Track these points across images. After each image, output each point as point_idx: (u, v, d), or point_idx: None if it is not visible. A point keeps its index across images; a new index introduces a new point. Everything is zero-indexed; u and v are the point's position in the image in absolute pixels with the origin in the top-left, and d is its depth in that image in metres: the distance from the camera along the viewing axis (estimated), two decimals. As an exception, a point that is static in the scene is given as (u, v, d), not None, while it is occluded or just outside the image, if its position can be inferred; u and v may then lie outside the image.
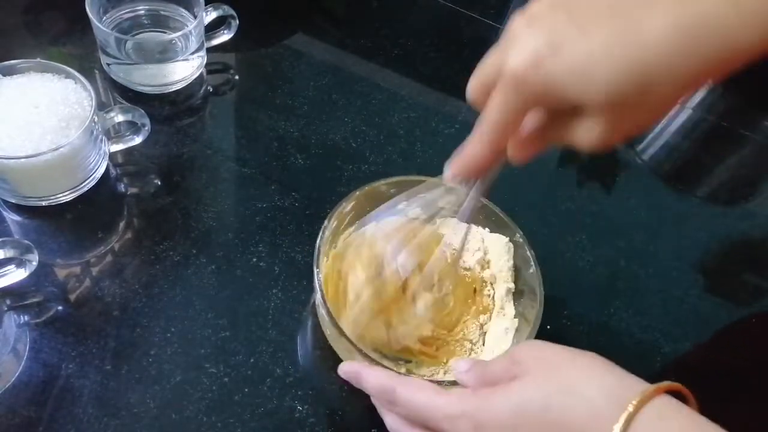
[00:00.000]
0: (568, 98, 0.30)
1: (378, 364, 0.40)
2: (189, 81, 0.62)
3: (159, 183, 0.55)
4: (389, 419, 0.37)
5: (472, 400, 0.33)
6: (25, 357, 0.44)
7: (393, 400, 0.36)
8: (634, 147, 0.68)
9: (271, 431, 0.44)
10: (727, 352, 0.55)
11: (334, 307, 0.44)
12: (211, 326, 0.47)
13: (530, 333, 0.43)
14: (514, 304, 0.47)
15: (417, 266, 0.45)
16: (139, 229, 0.52)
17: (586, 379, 0.31)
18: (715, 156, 0.70)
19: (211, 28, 0.62)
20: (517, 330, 0.45)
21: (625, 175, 0.65)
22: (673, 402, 0.30)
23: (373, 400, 0.39)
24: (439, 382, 0.39)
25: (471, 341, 0.47)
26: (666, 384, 0.30)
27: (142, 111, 0.53)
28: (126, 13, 0.61)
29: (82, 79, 0.51)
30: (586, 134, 0.31)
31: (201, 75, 0.63)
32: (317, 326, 0.47)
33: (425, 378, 0.43)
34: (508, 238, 0.48)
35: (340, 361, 0.41)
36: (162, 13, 0.62)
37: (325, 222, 0.45)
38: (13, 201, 0.51)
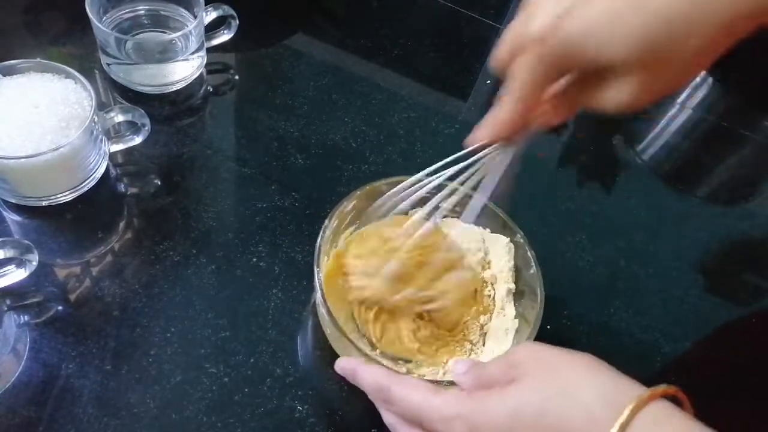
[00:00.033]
0: (590, 57, 0.30)
1: (376, 362, 0.40)
2: (189, 81, 0.62)
3: (159, 183, 0.55)
4: (386, 416, 0.37)
5: (468, 402, 0.32)
6: (25, 357, 0.44)
7: (388, 398, 0.36)
8: (634, 147, 0.68)
9: (271, 431, 0.44)
10: (727, 352, 0.55)
11: (334, 306, 0.44)
12: (211, 326, 0.47)
13: (530, 334, 0.43)
14: (515, 305, 0.47)
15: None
16: (139, 229, 0.52)
17: (583, 383, 0.31)
18: (715, 156, 0.70)
19: (211, 28, 0.62)
20: (517, 331, 0.45)
21: (625, 175, 0.65)
22: (669, 407, 0.29)
23: (370, 397, 0.39)
24: (438, 382, 0.39)
25: (471, 342, 0.47)
26: (662, 388, 0.30)
27: (142, 111, 0.53)
28: (126, 13, 0.61)
29: (82, 79, 0.51)
30: (616, 95, 0.31)
31: (201, 75, 0.63)
32: (317, 326, 0.47)
33: (425, 378, 0.43)
34: (508, 239, 0.48)
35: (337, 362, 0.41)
36: (162, 13, 0.62)
37: (326, 221, 0.45)
38: (13, 201, 0.51)
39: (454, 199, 0.43)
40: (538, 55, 0.31)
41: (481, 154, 0.38)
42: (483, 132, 0.36)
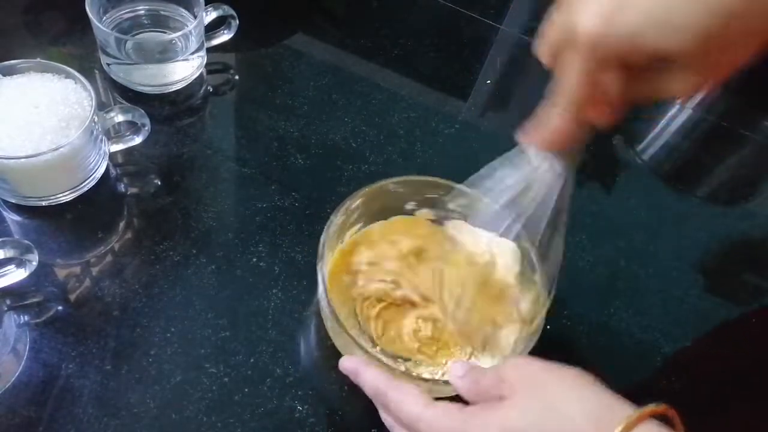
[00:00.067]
0: (650, 50, 0.29)
1: (375, 359, 0.40)
2: (189, 81, 0.62)
3: (159, 183, 0.55)
4: (384, 416, 0.38)
5: (458, 418, 0.33)
6: (25, 357, 0.44)
7: (385, 403, 0.37)
8: (634, 147, 0.68)
9: (271, 431, 0.44)
10: (728, 352, 0.54)
11: (337, 301, 0.44)
12: (211, 326, 0.47)
13: (531, 339, 0.43)
14: (517, 310, 0.47)
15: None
16: (139, 229, 0.52)
17: (570, 401, 0.31)
18: (715, 156, 0.70)
19: (211, 28, 0.62)
20: (518, 335, 0.45)
21: (625, 175, 0.65)
22: (657, 428, 0.29)
23: (370, 397, 0.39)
24: (435, 381, 0.39)
25: (472, 345, 0.47)
26: (651, 408, 0.29)
27: (142, 111, 0.52)
28: (126, 13, 0.61)
29: (82, 79, 0.51)
30: (680, 84, 0.30)
31: (201, 75, 0.63)
32: (318, 326, 0.47)
33: (423, 376, 0.43)
34: (516, 244, 0.48)
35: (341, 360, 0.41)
36: (162, 13, 0.62)
37: (332, 217, 0.45)
38: (13, 201, 0.51)
39: (462, 201, 0.43)
40: (592, 52, 0.29)
41: (532, 166, 0.36)
42: (539, 136, 0.34)
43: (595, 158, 0.65)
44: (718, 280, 0.58)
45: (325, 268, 0.43)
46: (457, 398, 0.35)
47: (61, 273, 0.49)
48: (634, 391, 0.49)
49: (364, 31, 0.72)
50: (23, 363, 0.44)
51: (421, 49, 0.71)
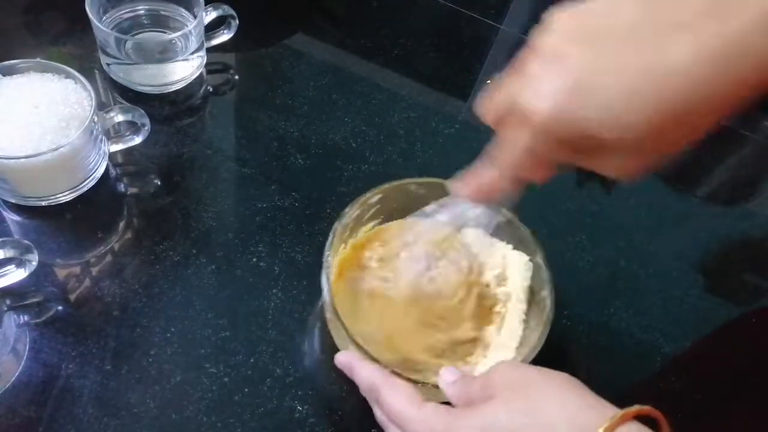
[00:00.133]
0: (597, 139, 0.28)
1: (369, 355, 0.40)
2: (189, 81, 0.62)
3: (159, 183, 0.55)
4: (377, 413, 0.39)
5: (444, 418, 0.33)
6: (25, 357, 0.44)
7: (377, 399, 0.37)
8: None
9: (271, 431, 0.44)
10: (728, 352, 0.54)
11: (341, 295, 0.44)
12: (211, 326, 0.47)
13: (532, 352, 0.42)
14: (522, 323, 0.47)
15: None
16: (139, 229, 0.52)
17: (551, 404, 0.31)
18: (715, 156, 0.70)
19: (211, 28, 0.62)
20: (519, 347, 0.45)
21: (625, 175, 0.65)
22: (641, 429, 0.29)
23: (363, 394, 0.39)
24: (425, 383, 0.39)
25: (471, 354, 0.47)
26: (635, 409, 0.29)
27: (142, 111, 0.52)
28: (126, 13, 0.61)
29: (82, 79, 0.51)
30: (618, 166, 0.30)
31: (201, 75, 0.63)
32: (318, 326, 0.47)
33: (412, 378, 0.43)
34: (528, 257, 0.48)
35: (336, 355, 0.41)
36: (162, 13, 0.62)
37: (347, 208, 0.45)
38: (13, 201, 0.51)
39: (478, 210, 0.43)
40: (539, 132, 0.29)
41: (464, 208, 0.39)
42: (470, 190, 0.35)
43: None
44: (718, 280, 0.58)
45: (331, 258, 0.43)
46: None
47: (61, 273, 0.49)
48: (634, 391, 0.49)
49: (364, 31, 0.72)
50: (23, 363, 0.44)
51: (421, 49, 0.71)
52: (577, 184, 0.63)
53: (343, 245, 0.47)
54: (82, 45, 0.63)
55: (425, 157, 0.61)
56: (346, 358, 0.40)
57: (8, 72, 0.50)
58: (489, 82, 0.68)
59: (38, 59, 0.51)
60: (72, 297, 0.47)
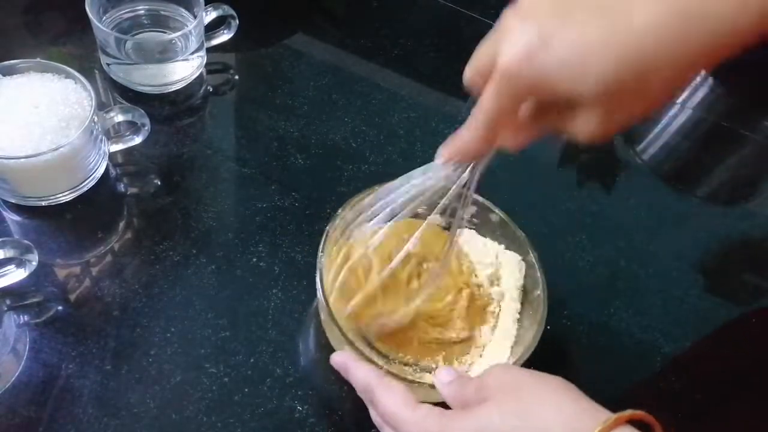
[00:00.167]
0: (561, 91, 0.30)
1: (363, 355, 0.40)
2: (189, 81, 0.62)
3: (159, 183, 0.55)
4: (373, 414, 0.39)
5: (438, 420, 0.33)
6: (25, 357, 0.44)
7: (372, 400, 0.37)
8: (634, 147, 0.68)
9: (271, 431, 0.44)
10: (728, 352, 0.55)
11: (335, 297, 0.44)
12: (211, 326, 0.47)
13: (527, 351, 0.42)
14: (516, 323, 0.47)
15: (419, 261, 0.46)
16: (139, 229, 0.52)
17: (544, 407, 0.31)
18: (715, 156, 0.70)
19: (211, 28, 0.62)
20: (514, 347, 0.45)
21: (625, 175, 0.65)
22: None
23: (359, 394, 0.39)
24: (421, 383, 0.39)
25: (468, 354, 0.47)
26: (628, 413, 0.29)
27: (142, 111, 0.52)
28: (126, 13, 0.61)
29: (82, 79, 0.51)
30: (583, 126, 0.31)
31: (201, 75, 0.63)
32: (317, 326, 0.47)
33: (408, 377, 0.43)
34: (521, 257, 0.48)
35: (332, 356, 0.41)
36: (162, 13, 0.62)
37: (339, 210, 0.45)
38: (13, 201, 0.51)
39: (472, 209, 0.43)
40: (506, 85, 0.31)
41: (446, 171, 0.39)
42: (447, 152, 0.37)
43: (595, 158, 0.65)
44: (718, 280, 0.58)
45: (324, 259, 0.43)
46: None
47: (61, 273, 0.49)
48: (634, 391, 0.49)
49: (364, 31, 0.72)
50: (23, 363, 0.44)
51: (421, 49, 0.71)
52: (577, 184, 0.63)
53: (335, 247, 0.47)
54: (82, 45, 0.63)
55: (425, 157, 0.60)
56: (341, 359, 0.40)
57: (8, 72, 0.50)
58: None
59: (38, 59, 0.51)
60: (72, 297, 0.47)
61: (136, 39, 0.61)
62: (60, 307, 0.47)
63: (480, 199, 0.47)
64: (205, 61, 0.63)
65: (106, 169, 0.54)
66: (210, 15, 0.60)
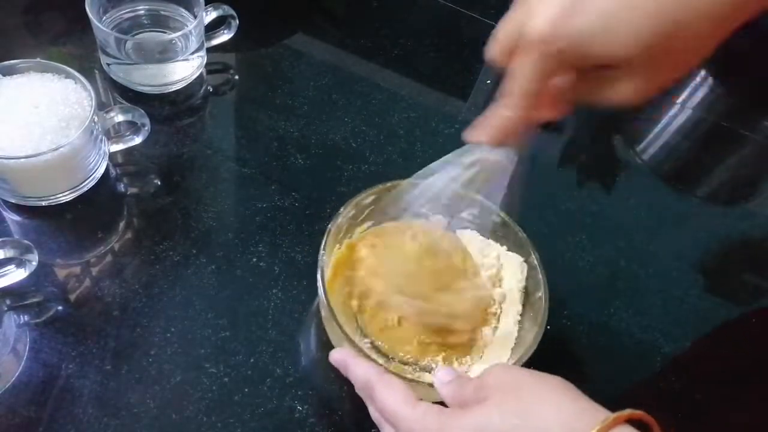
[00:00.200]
0: (596, 54, 0.30)
1: (362, 352, 0.40)
2: (189, 81, 0.62)
3: (159, 183, 0.55)
4: (372, 411, 0.39)
5: (437, 418, 0.33)
6: (25, 357, 0.44)
7: (371, 396, 0.37)
8: (634, 147, 0.68)
9: (271, 431, 0.44)
10: (728, 352, 0.55)
11: (336, 294, 0.44)
12: (211, 326, 0.47)
13: (527, 353, 0.42)
14: (517, 324, 0.47)
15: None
16: (139, 229, 0.52)
17: (543, 406, 0.31)
18: (715, 156, 0.70)
19: (211, 28, 0.62)
20: (515, 348, 0.45)
21: (625, 175, 0.65)
22: None
23: (357, 391, 0.39)
24: (419, 381, 0.39)
25: (470, 355, 0.47)
26: (626, 413, 0.29)
27: (142, 111, 0.52)
28: (126, 13, 0.61)
29: (82, 79, 0.51)
30: (622, 91, 0.31)
31: (201, 75, 0.63)
32: (317, 326, 0.47)
33: (406, 375, 0.43)
34: (523, 259, 0.48)
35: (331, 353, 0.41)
36: (162, 13, 0.62)
37: (341, 209, 0.46)
38: (13, 201, 0.51)
39: (474, 210, 0.43)
40: (543, 53, 0.31)
41: (482, 154, 0.38)
42: (486, 133, 0.35)
43: (595, 158, 0.65)
44: (718, 280, 0.58)
45: (326, 257, 0.43)
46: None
47: (61, 273, 0.49)
48: (634, 391, 0.49)
49: (364, 31, 0.72)
50: (23, 363, 0.44)
51: (421, 49, 0.71)
52: (577, 184, 0.63)
53: (337, 245, 0.47)
54: (82, 45, 0.63)
55: (425, 157, 0.61)
56: (340, 356, 0.40)
57: (8, 72, 0.50)
58: (489, 82, 0.68)
59: (38, 59, 0.51)
60: (72, 297, 0.47)
61: (136, 39, 0.61)
62: (60, 307, 0.47)
63: (481, 199, 0.47)
64: (205, 61, 0.63)
65: (106, 169, 0.54)
66: (210, 15, 0.60)
